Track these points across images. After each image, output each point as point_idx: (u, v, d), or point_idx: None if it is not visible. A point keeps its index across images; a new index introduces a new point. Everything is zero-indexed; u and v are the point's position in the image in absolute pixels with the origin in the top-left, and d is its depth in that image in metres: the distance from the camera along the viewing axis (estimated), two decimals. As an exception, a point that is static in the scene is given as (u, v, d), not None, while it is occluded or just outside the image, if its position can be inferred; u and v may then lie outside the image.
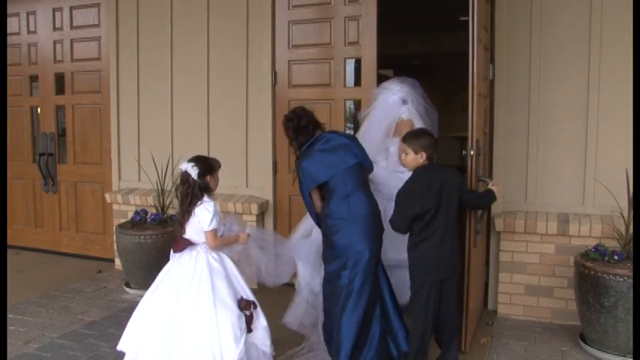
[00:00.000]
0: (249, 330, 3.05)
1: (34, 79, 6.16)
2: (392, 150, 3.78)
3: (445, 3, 4.21)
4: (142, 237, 4.62)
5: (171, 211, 4.93)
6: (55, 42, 5.93)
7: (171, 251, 3.18)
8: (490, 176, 4.21)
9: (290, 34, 4.82)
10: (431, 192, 3.07)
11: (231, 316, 2.96)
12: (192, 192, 3.06)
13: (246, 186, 5.03)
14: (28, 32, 6.10)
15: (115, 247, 5.07)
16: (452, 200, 3.14)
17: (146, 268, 4.64)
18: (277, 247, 3.45)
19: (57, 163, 6.04)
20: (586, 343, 3.58)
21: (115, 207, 5.47)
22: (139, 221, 4.80)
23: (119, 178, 5.59)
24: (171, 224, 4.78)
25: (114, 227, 5.06)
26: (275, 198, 4.95)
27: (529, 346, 3.68)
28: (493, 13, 4.16)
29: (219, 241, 3.13)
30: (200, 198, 3.07)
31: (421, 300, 3.13)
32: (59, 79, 5.97)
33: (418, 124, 3.66)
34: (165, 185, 4.91)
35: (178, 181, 3.14)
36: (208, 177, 3.13)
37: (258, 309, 3.14)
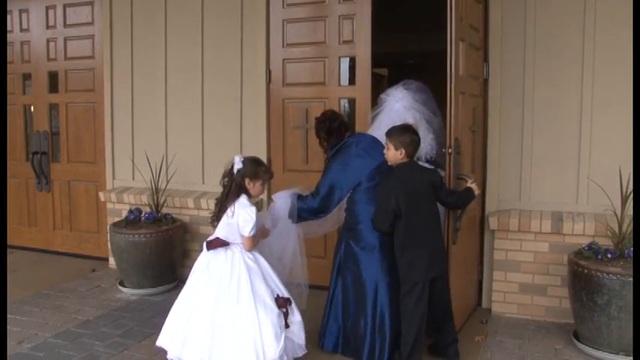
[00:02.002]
0: (287, 326, 3.13)
1: (26, 77, 6.12)
2: None
3: (440, 2, 4.20)
4: (136, 236, 4.61)
5: (165, 210, 4.92)
6: (48, 40, 5.90)
7: (205, 246, 3.25)
8: (485, 175, 4.23)
9: (284, 32, 4.80)
10: (408, 189, 3.13)
11: (271, 316, 3.05)
12: (230, 187, 3.16)
13: (241, 184, 5.01)
14: (21, 30, 6.06)
15: (109, 246, 5.06)
16: (432, 200, 3.21)
17: (140, 267, 4.64)
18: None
19: (50, 162, 6.01)
20: (579, 341, 3.59)
21: (109, 206, 5.44)
22: (133, 220, 4.79)
23: (113, 177, 5.57)
24: (166, 223, 4.79)
25: (108, 226, 5.05)
26: (269, 197, 4.92)
27: (523, 344, 3.70)
28: (487, 13, 4.16)
29: (255, 243, 3.22)
30: (237, 196, 3.15)
31: (411, 300, 3.15)
32: (52, 77, 5.94)
33: (422, 128, 3.68)
34: (160, 184, 4.90)
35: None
36: (247, 179, 3.17)
37: (293, 305, 3.22)
